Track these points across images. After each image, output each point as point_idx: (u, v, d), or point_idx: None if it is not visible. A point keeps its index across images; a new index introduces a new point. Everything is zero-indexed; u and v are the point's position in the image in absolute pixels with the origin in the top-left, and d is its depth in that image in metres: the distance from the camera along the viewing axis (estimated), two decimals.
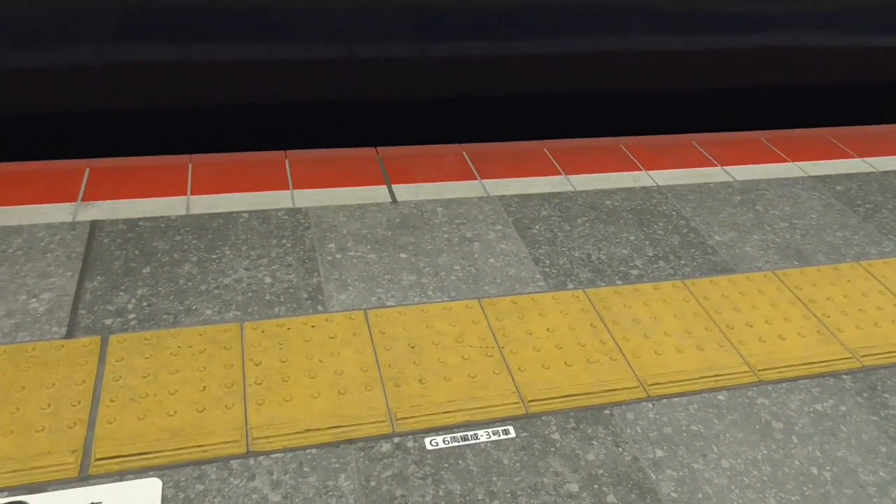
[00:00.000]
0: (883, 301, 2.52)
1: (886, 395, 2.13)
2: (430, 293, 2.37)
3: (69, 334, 2.08)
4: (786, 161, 3.43)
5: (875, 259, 2.75)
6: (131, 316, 2.16)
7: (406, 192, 2.92)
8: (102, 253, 2.42)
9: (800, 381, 2.15)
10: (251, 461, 1.76)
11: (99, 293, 2.24)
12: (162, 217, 2.63)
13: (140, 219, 2.61)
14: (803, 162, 3.44)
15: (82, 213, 2.61)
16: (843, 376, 2.18)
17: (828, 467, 1.89)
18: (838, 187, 3.24)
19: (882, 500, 1.81)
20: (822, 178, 3.30)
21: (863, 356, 2.26)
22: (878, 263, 2.72)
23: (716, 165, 3.33)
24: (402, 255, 2.54)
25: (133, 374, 1.96)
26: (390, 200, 2.85)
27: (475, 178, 3.06)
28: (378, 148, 3.24)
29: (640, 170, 3.23)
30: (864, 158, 3.51)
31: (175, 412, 1.86)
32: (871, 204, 3.13)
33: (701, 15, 3.70)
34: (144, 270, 2.35)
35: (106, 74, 3.17)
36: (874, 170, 3.41)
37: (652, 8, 3.60)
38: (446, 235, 2.67)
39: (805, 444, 1.95)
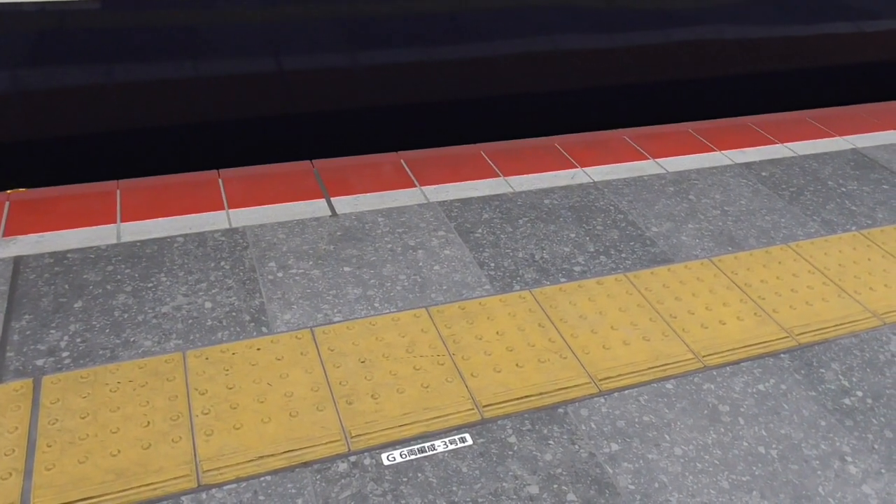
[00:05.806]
0: (813, 280, 2.63)
1: (822, 371, 2.22)
2: (376, 305, 2.34)
3: None
4: (713, 150, 3.54)
5: (802, 240, 2.87)
6: (64, 354, 2.06)
7: (345, 204, 2.89)
8: (29, 290, 2.30)
9: (742, 364, 2.21)
10: (203, 495, 1.70)
11: (28, 333, 2.13)
12: (91, 248, 2.52)
13: (68, 251, 2.49)
14: (729, 150, 3.56)
15: (4, 250, 2.48)
16: (782, 355, 2.26)
17: (774, 445, 1.95)
18: (763, 173, 3.36)
19: (825, 472, 1.89)
20: (748, 165, 3.42)
21: (798, 334, 2.36)
22: (805, 244, 2.84)
23: (647, 158, 3.41)
24: (346, 269, 2.50)
25: (70, 415, 1.87)
26: (330, 214, 2.82)
27: (414, 186, 3.05)
28: (314, 161, 3.19)
29: (575, 167, 3.29)
30: (785, 144, 3.66)
31: (119, 451, 1.79)
32: (794, 187, 3.26)
33: (624, 14, 3.79)
34: (76, 305, 2.25)
35: (22, 101, 3.02)
36: (795, 154, 3.56)
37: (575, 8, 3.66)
38: (389, 245, 2.65)
39: (751, 424, 2.01)
